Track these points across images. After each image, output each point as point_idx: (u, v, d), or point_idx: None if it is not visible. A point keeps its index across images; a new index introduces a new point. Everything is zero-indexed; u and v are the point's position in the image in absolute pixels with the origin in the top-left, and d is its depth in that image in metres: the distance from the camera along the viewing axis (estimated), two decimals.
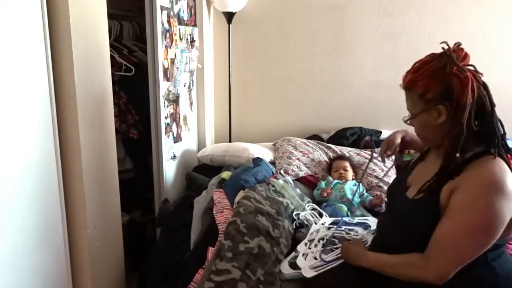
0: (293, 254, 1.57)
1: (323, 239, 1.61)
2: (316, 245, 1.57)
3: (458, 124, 1.14)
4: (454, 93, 1.13)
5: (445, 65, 1.15)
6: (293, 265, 1.50)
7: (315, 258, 1.49)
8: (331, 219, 1.83)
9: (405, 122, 1.29)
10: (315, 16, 2.88)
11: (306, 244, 1.59)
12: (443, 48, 1.18)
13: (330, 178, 2.28)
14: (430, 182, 1.20)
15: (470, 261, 1.12)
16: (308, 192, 2.30)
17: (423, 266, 1.14)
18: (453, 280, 1.15)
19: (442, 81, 1.14)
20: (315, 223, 1.78)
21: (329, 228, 1.70)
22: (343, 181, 2.23)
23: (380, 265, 1.25)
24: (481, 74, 1.18)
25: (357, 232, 1.65)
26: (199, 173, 2.50)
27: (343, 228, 1.69)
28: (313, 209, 1.95)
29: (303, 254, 1.52)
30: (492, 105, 1.17)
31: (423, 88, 1.17)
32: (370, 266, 1.28)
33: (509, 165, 1.13)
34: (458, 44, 1.19)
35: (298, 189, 2.19)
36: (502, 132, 1.18)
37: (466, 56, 1.17)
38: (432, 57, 1.19)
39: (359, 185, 2.15)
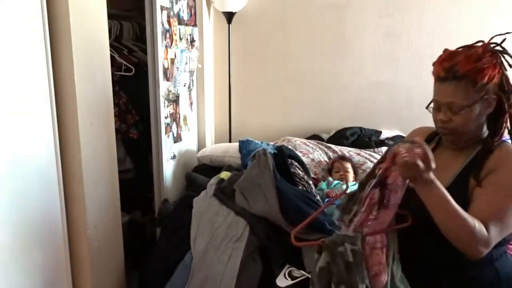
0: (287, 266, 1.53)
1: None
2: None
3: (504, 113, 1.17)
4: (509, 85, 1.16)
5: (499, 56, 1.16)
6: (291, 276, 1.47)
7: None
8: None
9: (459, 113, 1.16)
10: (315, 16, 2.88)
11: None
12: (493, 42, 1.19)
13: (331, 179, 2.28)
14: (458, 174, 1.19)
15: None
16: None
17: (483, 235, 1.05)
18: (456, 279, 1.15)
19: (501, 72, 1.15)
20: None
21: None
22: (343, 182, 2.23)
23: (446, 205, 1.05)
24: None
25: None
26: (198, 173, 2.50)
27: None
28: None
29: None
30: None
31: (488, 77, 1.13)
32: (436, 199, 1.06)
33: None
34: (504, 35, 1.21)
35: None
36: None
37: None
38: (484, 47, 1.17)
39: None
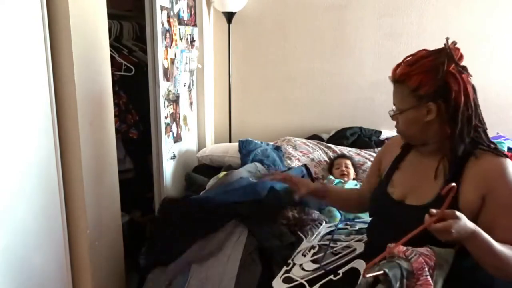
0: (284, 268, 1.50)
1: (314, 247, 1.58)
2: (305, 255, 1.54)
3: (459, 124, 1.12)
4: (452, 93, 1.11)
5: (443, 63, 1.12)
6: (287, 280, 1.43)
7: (303, 269, 1.46)
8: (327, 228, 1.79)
9: (391, 116, 1.23)
10: (315, 16, 2.88)
11: (304, 255, 1.56)
12: (445, 44, 1.15)
13: (331, 178, 2.28)
14: (444, 187, 1.12)
15: None
16: None
17: None
18: (449, 281, 1.15)
19: (439, 79, 1.11)
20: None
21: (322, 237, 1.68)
22: (345, 179, 2.24)
23: (492, 251, 1.04)
24: (471, 75, 1.17)
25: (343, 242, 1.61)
26: (198, 173, 2.50)
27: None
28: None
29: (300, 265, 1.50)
30: (477, 106, 1.17)
31: (418, 83, 1.13)
32: (482, 248, 1.04)
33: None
34: (454, 43, 1.16)
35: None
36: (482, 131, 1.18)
37: (461, 57, 1.16)
38: (429, 52, 1.16)
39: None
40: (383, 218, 1.32)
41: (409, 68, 1.16)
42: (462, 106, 1.11)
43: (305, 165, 2.28)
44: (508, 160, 1.13)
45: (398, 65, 1.20)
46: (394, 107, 1.23)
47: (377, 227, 1.33)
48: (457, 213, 1.00)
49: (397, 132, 1.27)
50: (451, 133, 1.15)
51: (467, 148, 1.15)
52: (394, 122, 1.28)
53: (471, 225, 1.02)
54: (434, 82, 1.12)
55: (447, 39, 1.15)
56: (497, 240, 1.06)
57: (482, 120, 1.18)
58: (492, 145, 1.16)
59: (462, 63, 1.16)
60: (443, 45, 1.16)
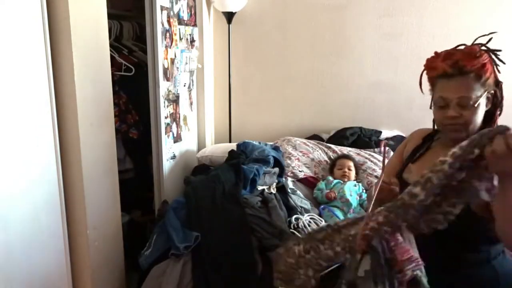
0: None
1: None
2: None
3: (497, 108, 1.21)
4: (501, 83, 1.20)
5: (490, 55, 1.20)
6: None
7: None
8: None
9: (471, 106, 1.15)
10: (315, 16, 2.88)
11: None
12: (480, 44, 1.25)
13: (330, 178, 2.28)
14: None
15: None
16: (309, 192, 2.31)
17: None
18: (454, 278, 1.15)
19: (495, 70, 1.20)
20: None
21: None
22: (346, 180, 2.24)
23: None
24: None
25: None
26: (198, 173, 2.50)
27: None
28: (312, 218, 1.93)
29: None
30: None
31: (489, 72, 1.17)
32: None
33: None
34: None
35: (298, 191, 2.20)
36: None
37: None
38: (476, 45, 1.24)
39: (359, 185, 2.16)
40: None
41: (478, 59, 1.17)
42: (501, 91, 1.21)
43: (273, 157, 2.28)
44: None
45: (450, 58, 1.18)
46: (447, 102, 1.18)
47: None
48: None
49: (459, 123, 1.18)
50: (491, 119, 1.21)
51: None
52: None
53: None
54: (495, 73, 1.21)
55: (489, 39, 1.26)
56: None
57: None
58: None
59: None
60: (459, 44, 1.26)
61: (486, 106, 1.20)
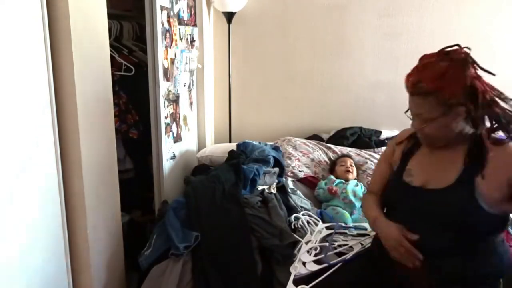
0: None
1: (316, 249, 1.60)
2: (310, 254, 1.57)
3: (493, 119, 1.19)
4: (479, 95, 1.15)
5: (465, 67, 1.16)
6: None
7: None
8: (326, 228, 1.80)
9: (422, 128, 1.25)
10: (315, 16, 2.88)
11: (308, 252, 1.59)
12: (458, 49, 1.19)
13: (332, 177, 2.28)
14: (463, 171, 1.23)
15: None
16: (309, 192, 2.31)
17: None
18: (464, 265, 1.19)
19: (467, 85, 1.15)
20: (311, 233, 1.76)
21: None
22: (349, 176, 2.25)
23: None
24: (494, 74, 1.23)
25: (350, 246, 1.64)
26: (198, 173, 2.50)
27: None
28: (309, 216, 1.93)
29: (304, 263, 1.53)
30: (500, 93, 1.23)
31: (450, 94, 1.16)
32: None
33: None
34: (468, 48, 1.20)
35: (298, 191, 2.20)
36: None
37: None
38: (450, 60, 1.17)
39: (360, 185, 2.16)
40: (402, 207, 1.35)
41: (439, 81, 1.16)
42: (489, 100, 1.17)
43: (273, 157, 2.28)
44: None
45: (415, 77, 1.21)
46: (413, 113, 1.28)
47: (396, 217, 1.34)
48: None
49: (423, 135, 1.30)
50: (489, 128, 1.20)
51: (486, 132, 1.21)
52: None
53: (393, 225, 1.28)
54: (464, 90, 1.16)
55: (468, 48, 1.20)
56: None
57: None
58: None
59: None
60: (446, 47, 1.20)
61: (456, 119, 1.19)
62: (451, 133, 1.23)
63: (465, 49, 1.19)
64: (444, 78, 1.15)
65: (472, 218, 1.18)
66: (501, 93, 1.21)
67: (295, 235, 1.70)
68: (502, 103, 1.19)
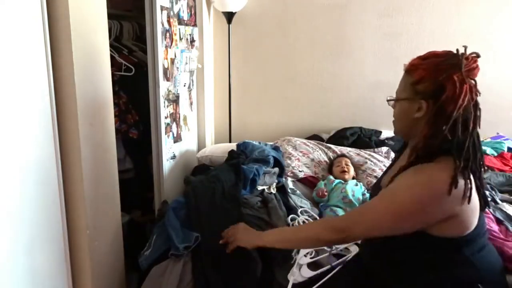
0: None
1: (311, 253, 1.60)
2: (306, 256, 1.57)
3: (436, 128, 1.12)
4: (443, 97, 1.11)
5: (450, 67, 1.12)
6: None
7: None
8: None
9: (387, 101, 1.28)
10: (315, 16, 2.88)
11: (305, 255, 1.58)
12: (457, 50, 1.14)
13: (331, 178, 2.28)
14: (391, 177, 1.22)
15: (380, 234, 1.19)
16: (309, 192, 2.30)
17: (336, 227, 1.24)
18: (435, 280, 1.16)
19: (439, 80, 1.12)
20: None
21: None
22: (346, 177, 2.24)
23: (283, 240, 1.42)
24: (479, 93, 1.14)
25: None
26: (198, 173, 2.50)
27: None
28: (308, 216, 1.92)
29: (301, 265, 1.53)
30: (475, 125, 1.13)
31: (420, 77, 1.16)
32: (271, 245, 1.44)
33: (466, 180, 1.10)
34: (476, 54, 1.14)
35: (298, 191, 2.20)
36: (476, 154, 1.13)
37: (475, 68, 1.13)
38: (446, 53, 1.16)
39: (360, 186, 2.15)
40: None
41: (419, 61, 1.19)
42: (448, 112, 1.10)
43: (273, 157, 2.28)
44: (449, 175, 1.09)
45: (417, 57, 1.23)
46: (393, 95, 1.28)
47: None
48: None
49: (392, 121, 1.32)
50: (426, 133, 1.15)
51: (434, 153, 1.15)
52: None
53: (256, 232, 1.52)
54: (433, 82, 1.13)
55: (465, 47, 1.14)
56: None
57: (470, 141, 1.13)
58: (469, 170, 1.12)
59: (476, 76, 1.14)
60: (459, 51, 1.16)
61: (415, 113, 1.17)
62: (411, 128, 1.21)
63: (472, 56, 1.13)
64: (425, 61, 1.17)
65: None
66: (469, 122, 1.11)
67: None
68: (460, 128, 1.11)
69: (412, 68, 1.19)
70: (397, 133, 1.32)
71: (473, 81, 1.13)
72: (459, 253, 1.15)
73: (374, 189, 1.41)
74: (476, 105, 1.14)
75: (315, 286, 1.39)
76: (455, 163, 1.10)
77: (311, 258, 1.54)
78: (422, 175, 1.12)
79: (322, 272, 1.46)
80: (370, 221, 1.19)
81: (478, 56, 1.14)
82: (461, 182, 1.08)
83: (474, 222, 1.15)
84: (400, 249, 1.21)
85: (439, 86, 1.12)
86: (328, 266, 1.48)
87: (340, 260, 1.51)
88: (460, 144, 1.11)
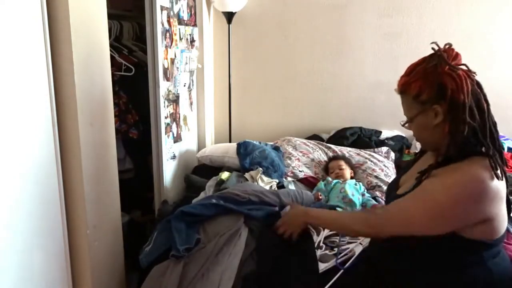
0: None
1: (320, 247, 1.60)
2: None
3: (458, 122, 1.12)
4: (448, 92, 1.12)
5: (436, 65, 1.14)
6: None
7: None
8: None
9: (403, 126, 1.28)
10: (315, 16, 2.88)
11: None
12: (433, 48, 1.17)
13: (330, 178, 2.28)
14: (417, 177, 1.22)
15: (413, 234, 1.17)
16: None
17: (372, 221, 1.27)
18: (448, 279, 1.15)
19: (435, 81, 1.14)
20: None
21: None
22: (342, 180, 2.23)
23: (325, 219, 1.46)
24: (475, 73, 1.17)
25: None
26: (198, 173, 2.50)
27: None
28: None
29: None
30: (487, 103, 1.16)
31: (417, 89, 1.17)
32: (315, 220, 1.50)
33: (500, 166, 1.11)
34: (449, 45, 1.17)
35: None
36: (494, 132, 1.17)
37: (457, 55, 1.16)
38: (423, 59, 1.19)
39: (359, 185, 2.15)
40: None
41: (407, 77, 1.20)
42: (461, 102, 1.11)
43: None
44: (486, 172, 1.10)
45: (401, 77, 1.24)
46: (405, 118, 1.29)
47: None
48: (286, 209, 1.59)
49: (415, 138, 1.33)
50: (450, 132, 1.15)
51: (464, 152, 1.15)
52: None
53: (301, 208, 1.57)
54: (431, 85, 1.15)
55: (435, 43, 1.17)
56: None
57: (490, 118, 1.16)
58: (495, 150, 1.14)
59: (462, 61, 1.16)
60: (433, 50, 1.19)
61: (434, 120, 1.17)
62: (436, 136, 1.20)
63: (445, 46, 1.16)
64: (411, 74, 1.18)
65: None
66: (482, 102, 1.14)
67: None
68: (477, 112, 1.13)
69: (404, 87, 1.21)
70: (426, 147, 1.33)
71: (463, 66, 1.15)
72: (479, 256, 1.15)
73: (389, 195, 1.40)
74: (478, 85, 1.17)
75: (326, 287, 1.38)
76: (489, 159, 1.11)
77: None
78: (460, 175, 1.11)
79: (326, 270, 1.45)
80: (403, 220, 1.19)
81: (451, 44, 1.17)
82: (498, 181, 1.10)
83: (505, 226, 1.16)
84: (423, 249, 1.20)
85: (439, 85, 1.14)
86: (332, 264, 1.47)
87: (347, 261, 1.49)
88: (483, 130, 1.13)
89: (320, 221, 1.51)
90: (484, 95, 1.16)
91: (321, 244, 1.58)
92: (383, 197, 2.07)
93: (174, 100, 2.37)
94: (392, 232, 1.24)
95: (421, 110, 1.19)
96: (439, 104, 1.15)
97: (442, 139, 1.18)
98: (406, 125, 1.27)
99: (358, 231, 1.35)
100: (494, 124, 1.17)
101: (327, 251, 1.58)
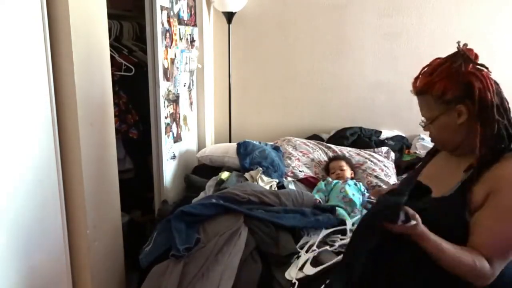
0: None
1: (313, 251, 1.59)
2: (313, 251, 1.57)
3: (488, 121, 1.12)
4: (476, 92, 1.12)
5: (461, 65, 1.13)
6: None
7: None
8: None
9: (423, 127, 1.25)
10: (315, 16, 2.88)
11: (306, 251, 1.58)
12: (457, 48, 1.16)
13: (330, 179, 2.28)
14: (462, 181, 1.17)
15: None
16: (309, 192, 2.30)
17: (485, 272, 1.09)
18: (458, 279, 1.15)
19: (461, 81, 1.13)
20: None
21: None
22: (342, 181, 2.23)
23: (441, 254, 1.10)
24: (491, 72, 1.18)
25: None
26: (198, 173, 2.50)
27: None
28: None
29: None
30: (507, 102, 1.18)
31: (442, 89, 1.15)
32: (432, 249, 1.11)
33: None
34: (465, 45, 1.17)
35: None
36: None
37: (477, 56, 1.17)
38: (445, 59, 1.17)
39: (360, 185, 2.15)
40: None
41: (429, 77, 1.17)
42: (490, 101, 1.12)
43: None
44: None
45: (417, 78, 1.22)
46: (423, 119, 1.25)
47: None
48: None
49: (432, 141, 1.30)
50: (482, 131, 1.14)
51: (497, 150, 1.14)
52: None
53: (423, 229, 1.10)
54: (457, 85, 1.14)
55: (458, 42, 1.16)
56: (473, 241, 1.11)
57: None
58: None
59: (479, 62, 1.17)
60: (455, 49, 1.17)
61: (458, 120, 1.16)
62: (459, 136, 1.18)
63: (463, 46, 1.16)
64: (435, 74, 1.16)
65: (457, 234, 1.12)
66: (504, 101, 1.16)
67: (294, 246, 1.65)
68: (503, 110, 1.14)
69: (426, 87, 1.18)
70: (444, 148, 1.28)
71: (480, 65, 1.16)
72: None
73: (416, 201, 1.25)
74: (497, 84, 1.18)
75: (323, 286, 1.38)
76: None
77: (311, 259, 1.54)
78: None
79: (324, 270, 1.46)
80: (507, 247, 1.12)
81: (467, 44, 1.17)
82: None
83: None
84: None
85: (465, 85, 1.13)
86: (330, 263, 1.47)
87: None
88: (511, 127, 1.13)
89: (423, 242, 1.14)
90: (503, 94, 1.18)
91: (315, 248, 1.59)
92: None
93: (174, 100, 2.37)
94: (502, 267, 1.14)
95: (444, 110, 1.17)
96: (463, 104, 1.14)
97: (463, 139, 1.18)
98: (426, 127, 1.24)
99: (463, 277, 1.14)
100: None
101: (327, 247, 1.59)
